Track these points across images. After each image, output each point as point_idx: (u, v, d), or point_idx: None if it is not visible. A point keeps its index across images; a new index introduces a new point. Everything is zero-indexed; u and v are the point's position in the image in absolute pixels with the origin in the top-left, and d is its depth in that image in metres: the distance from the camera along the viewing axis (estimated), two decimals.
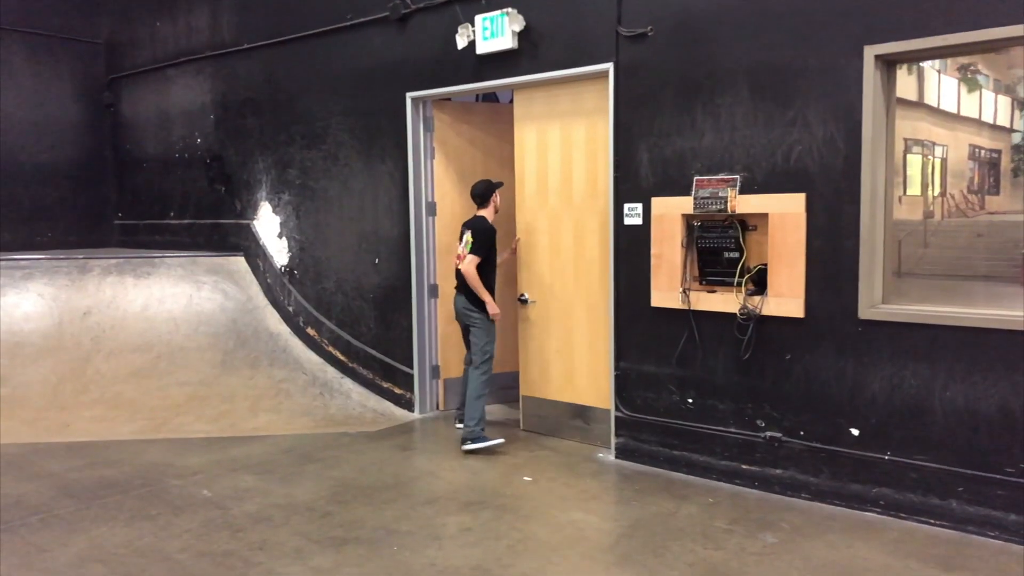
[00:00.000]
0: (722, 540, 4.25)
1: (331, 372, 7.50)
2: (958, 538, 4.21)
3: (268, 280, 8.18)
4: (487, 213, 6.00)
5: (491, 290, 5.97)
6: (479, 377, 5.91)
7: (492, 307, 5.91)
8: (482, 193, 6.04)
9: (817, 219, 4.65)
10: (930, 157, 4.57)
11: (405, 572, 3.95)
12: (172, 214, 9.35)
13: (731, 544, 4.20)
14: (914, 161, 4.57)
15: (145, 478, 5.35)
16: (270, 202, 8.08)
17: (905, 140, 4.52)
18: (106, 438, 6.29)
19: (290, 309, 7.95)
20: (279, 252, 8.03)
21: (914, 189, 4.60)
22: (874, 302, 4.52)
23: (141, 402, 6.93)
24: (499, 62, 6.06)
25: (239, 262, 8.41)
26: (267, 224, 8.13)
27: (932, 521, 4.35)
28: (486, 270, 5.92)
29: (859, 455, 4.58)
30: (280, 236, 8.01)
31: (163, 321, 7.75)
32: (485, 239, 5.91)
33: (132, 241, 9.94)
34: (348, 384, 7.36)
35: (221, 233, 8.70)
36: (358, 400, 7.17)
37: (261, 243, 8.19)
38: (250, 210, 8.32)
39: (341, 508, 4.79)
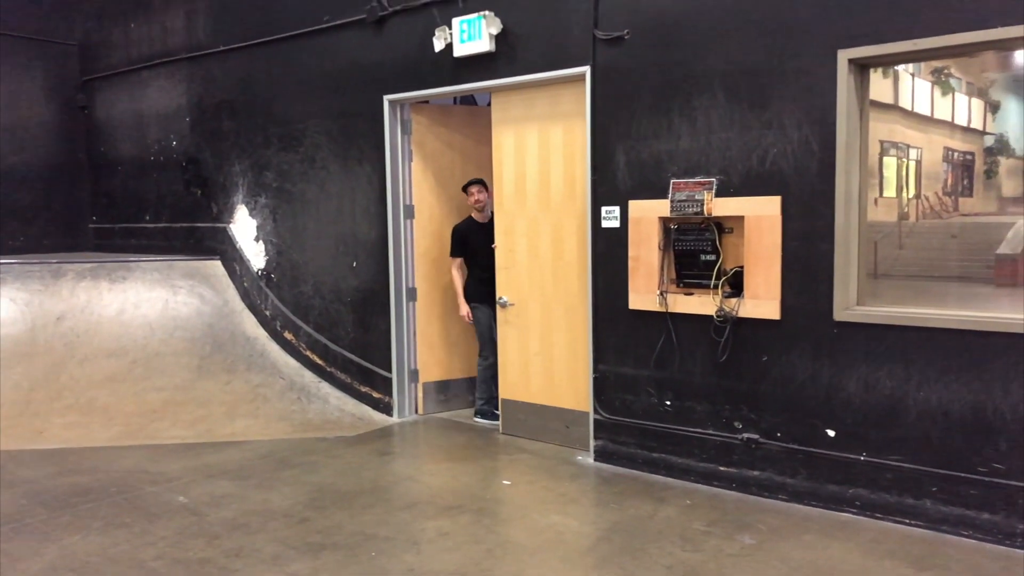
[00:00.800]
0: (700, 542, 4.27)
1: (309, 376, 7.46)
2: (933, 537, 4.24)
3: (245, 284, 8.12)
4: (470, 212, 6.72)
5: (479, 288, 6.60)
6: (478, 363, 6.82)
7: (460, 307, 6.65)
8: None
9: (793, 221, 4.68)
10: (904, 159, 4.61)
11: None
12: (148, 217, 9.26)
13: (709, 546, 4.22)
14: (889, 163, 4.61)
15: (120, 485, 5.29)
16: (247, 205, 8.02)
17: (880, 143, 4.56)
18: (80, 445, 6.21)
19: (267, 313, 7.90)
20: (256, 256, 7.98)
21: (889, 191, 4.63)
22: (849, 304, 4.55)
23: (116, 408, 6.85)
24: (477, 65, 6.05)
25: (215, 266, 8.34)
26: (244, 227, 8.07)
27: (907, 521, 4.39)
28: (471, 269, 6.66)
29: (835, 456, 4.61)
30: (257, 239, 7.95)
31: (138, 326, 7.67)
32: (451, 240, 6.68)
33: (107, 245, 9.83)
34: (326, 388, 7.32)
35: (197, 237, 8.62)
36: (336, 404, 7.13)
37: (238, 247, 8.13)
38: (226, 213, 8.26)
39: (319, 514, 4.76)
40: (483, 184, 6.55)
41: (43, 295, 7.66)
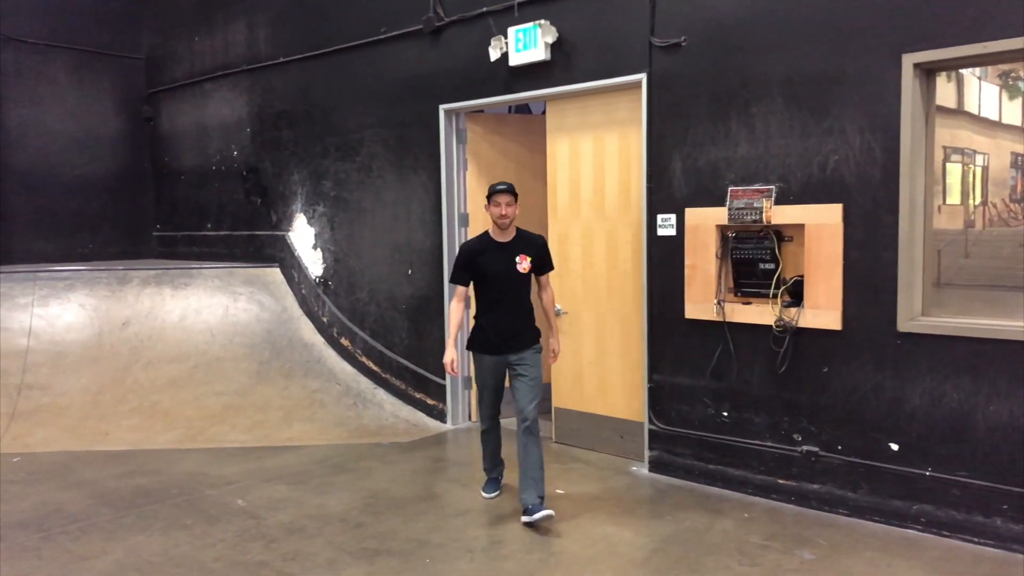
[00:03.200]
0: (758, 556, 4.18)
1: (364, 383, 7.53)
2: (1003, 557, 4.09)
3: (303, 291, 8.25)
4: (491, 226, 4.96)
5: (489, 330, 4.87)
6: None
7: (446, 351, 4.91)
8: None
9: (854, 230, 4.58)
10: (971, 166, 4.48)
11: None
12: (209, 225, 9.48)
13: (767, 560, 4.13)
14: (954, 170, 4.48)
15: (181, 487, 5.40)
16: (305, 214, 8.15)
17: (944, 148, 4.44)
18: (144, 447, 6.37)
19: (324, 320, 8.01)
20: (314, 263, 8.10)
21: (954, 198, 4.50)
22: (913, 314, 4.43)
23: (178, 412, 7.01)
24: (532, 73, 6.06)
25: (275, 273, 8.49)
26: (302, 235, 8.21)
27: (976, 539, 4.24)
28: (481, 302, 4.96)
29: (899, 470, 4.48)
30: (315, 247, 8.07)
31: (200, 332, 7.84)
32: (456, 260, 4.98)
33: (170, 252, 10.09)
34: (381, 395, 7.39)
35: (257, 244, 8.79)
36: (391, 411, 7.18)
37: (296, 254, 8.27)
38: (285, 222, 8.40)
39: (374, 519, 4.79)
40: (514, 195, 4.80)
41: (110, 301, 7.89)
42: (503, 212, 4.78)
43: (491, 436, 5.14)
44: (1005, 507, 4.15)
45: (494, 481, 5.25)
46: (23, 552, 4.37)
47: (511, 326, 4.85)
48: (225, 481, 5.52)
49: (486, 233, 4.95)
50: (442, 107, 6.72)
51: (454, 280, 4.97)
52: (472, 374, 6.95)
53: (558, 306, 6.19)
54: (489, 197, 4.83)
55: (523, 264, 4.84)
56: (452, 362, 4.86)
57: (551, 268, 5.09)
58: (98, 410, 6.97)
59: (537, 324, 4.99)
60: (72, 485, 5.47)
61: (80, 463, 5.97)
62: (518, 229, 4.92)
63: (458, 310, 4.90)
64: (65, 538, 4.56)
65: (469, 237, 6.90)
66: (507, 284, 4.84)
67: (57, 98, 9.55)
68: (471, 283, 4.92)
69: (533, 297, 4.98)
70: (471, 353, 5.02)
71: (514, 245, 4.87)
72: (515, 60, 6.05)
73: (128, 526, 4.74)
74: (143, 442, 6.49)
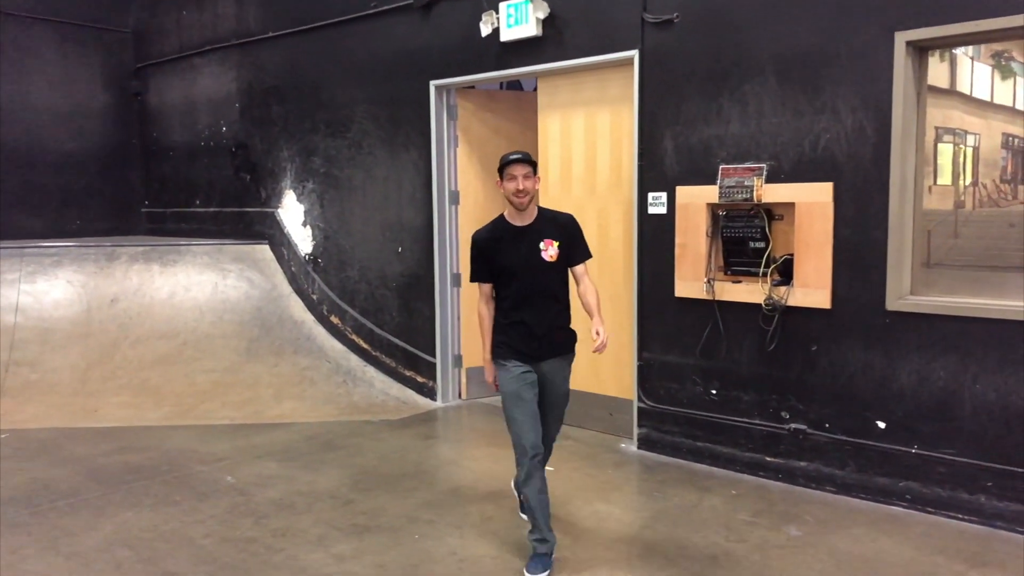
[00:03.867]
0: (745, 532, 4.22)
1: (354, 360, 7.53)
2: (987, 533, 4.14)
3: (292, 268, 8.21)
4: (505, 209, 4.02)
5: (512, 334, 3.91)
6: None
7: (486, 370, 4.08)
8: None
9: (845, 209, 4.58)
10: (962, 146, 4.48)
11: (426, 560, 3.96)
12: (198, 202, 9.42)
13: (754, 536, 4.17)
14: (945, 150, 4.49)
15: (171, 464, 5.40)
16: (294, 190, 8.10)
17: (936, 128, 4.43)
18: (133, 424, 6.36)
19: (314, 297, 7.98)
20: (303, 240, 8.06)
21: (945, 179, 4.51)
22: (902, 293, 4.45)
23: (167, 389, 7.00)
24: (523, 49, 6.02)
25: (264, 250, 8.45)
26: (291, 212, 8.16)
27: (960, 516, 4.28)
28: (501, 301, 3.97)
29: (886, 448, 4.52)
30: (304, 224, 8.03)
31: (189, 309, 7.81)
32: (471, 256, 4.02)
33: (159, 229, 10.03)
34: (371, 372, 7.39)
35: (246, 221, 8.74)
36: (381, 388, 7.19)
37: (286, 231, 8.23)
38: (275, 198, 8.35)
39: (363, 496, 4.81)
40: (531, 165, 3.86)
41: (98, 277, 7.84)
42: (519, 187, 3.78)
43: (536, 480, 3.80)
44: (989, 484, 4.19)
45: (543, 559, 3.83)
46: (13, 528, 4.37)
47: (542, 329, 3.87)
48: (215, 458, 5.52)
49: (501, 217, 3.96)
50: (433, 83, 6.67)
51: (474, 278, 4.00)
52: (462, 352, 6.96)
53: None
54: (501, 170, 3.85)
55: (549, 251, 3.85)
56: (495, 378, 3.97)
57: (587, 255, 4.03)
58: (87, 387, 6.95)
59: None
60: (61, 462, 5.46)
61: (69, 440, 5.95)
62: (540, 208, 3.96)
63: (487, 314, 3.99)
64: (54, 514, 4.56)
65: (459, 214, 6.88)
66: (531, 278, 3.85)
67: (43, 72, 9.43)
68: (493, 280, 3.96)
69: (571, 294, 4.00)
70: (496, 362, 3.98)
71: (536, 229, 3.88)
72: (506, 36, 6.00)
73: (118, 502, 4.74)
74: (132, 419, 6.47)
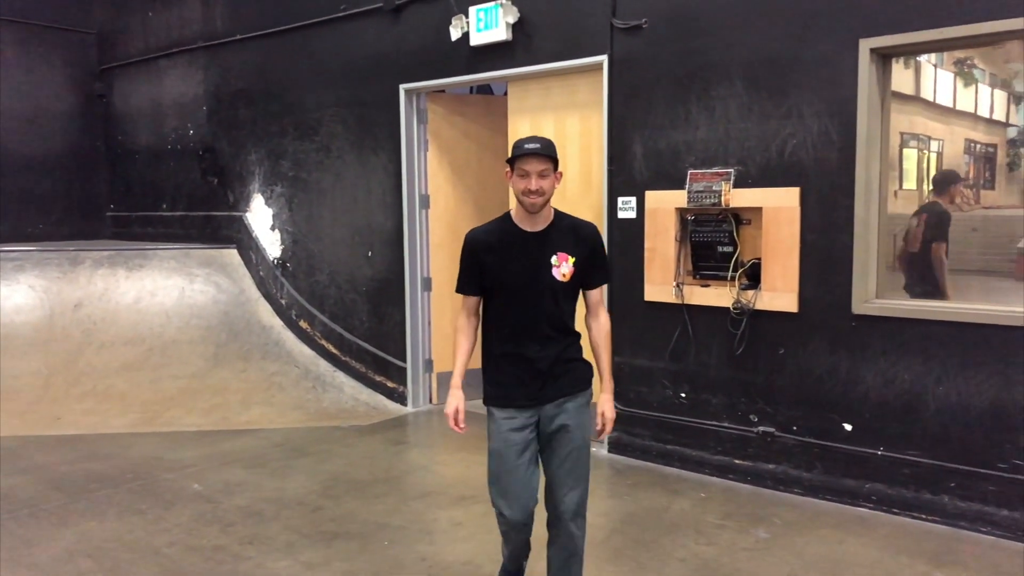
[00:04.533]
0: (714, 535, 4.24)
1: (324, 365, 7.47)
2: (950, 533, 4.20)
3: (261, 273, 8.14)
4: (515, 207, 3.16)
5: (510, 371, 3.10)
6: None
7: (448, 400, 3.14)
8: None
9: (811, 213, 4.63)
10: (926, 151, 4.56)
11: (396, 567, 3.93)
12: (165, 206, 9.30)
13: (723, 539, 4.19)
14: (910, 155, 4.56)
15: (136, 472, 5.32)
16: (263, 194, 8.03)
17: (901, 134, 4.50)
18: (97, 431, 6.25)
19: (283, 302, 7.91)
20: (272, 244, 7.99)
21: (910, 183, 4.58)
22: (868, 297, 4.50)
23: (133, 395, 6.89)
24: (493, 54, 6.02)
25: (232, 255, 8.36)
26: (260, 216, 8.09)
27: (925, 516, 4.34)
28: (499, 324, 3.13)
29: (852, 450, 4.57)
30: (273, 228, 7.96)
31: (155, 314, 7.70)
32: (461, 259, 3.19)
33: (125, 233, 9.88)
34: (341, 378, 7.33)
35: (214, 225, 8.65)
36: (351, 394, 7.14)
37: (254, 235, 8.15)
38: (243, 202, 8.27)
39: (332, 502, 4.76)
40: (552, 160, 3.00)
41: (61, 282, 7.71)
42: (532, 186, 2.94)
43: (523, 561, 3.31)
44: (952, 485, 4.26)
45: None
46: None
47: (545, 363, 3.07)
48: (181, 465, 5.45)
49: (507, 216, 3.14)
50: (403, 87, 6.65)
51: (460, 288, 3.17)
52: (433, 356, 6.94)
53: None
54: (512, 161, 3.00)
55: (562, 268, 3.05)
56: (456, 412, 3.07)
57: (606, 279, 3.27)
58: (49, 393, 6.83)
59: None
60: (22, 470, 5.35)
61: (30, 448, 5.84)
62: (558, 212, 3.13)
63: (467, 332, 3.18)
64: (14, 523, 4.47)
65: (429, 219, 6.86)
66: (537, 300, 3.04)
67: (4, 74, 9.26)
68: (483, 294, 3.14)
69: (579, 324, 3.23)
70: (488, 409, 3.17)
71: (550, 238, 3.07)
72: (476, 40, 6.00)
73: (80, 511, 4.65)
74: (97, 426, 6.36)
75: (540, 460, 3.16)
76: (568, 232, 3.10)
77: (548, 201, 3.03)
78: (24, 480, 5.16)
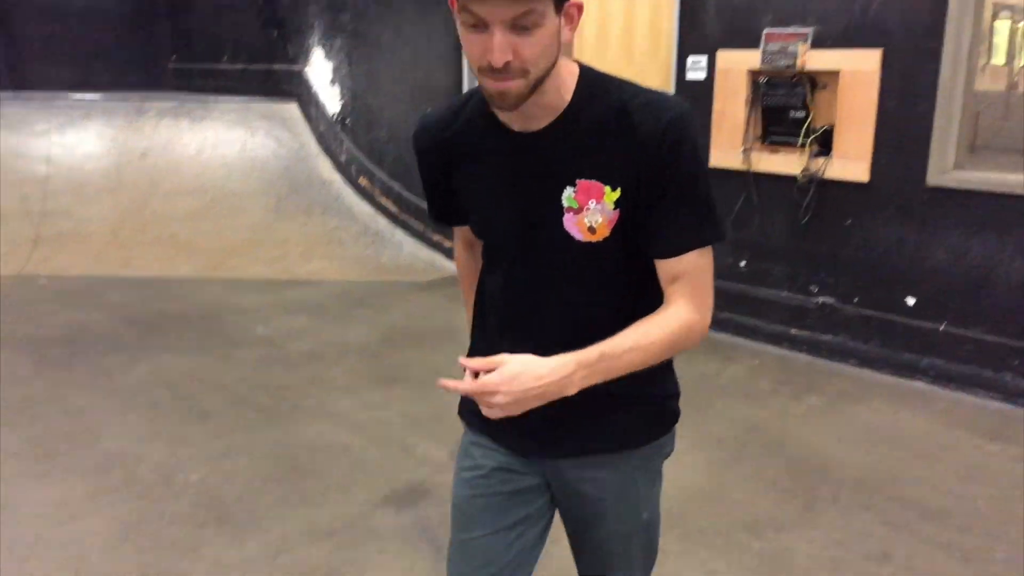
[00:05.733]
0: (766, 400, 4.28)
1: (383, 222, 7.54)
2: (1009, 411, 4.17)
3: (320, 128, 8.12)
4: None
5: (483, 332, 1.62)
6: None
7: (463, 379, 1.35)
8: None
9: (892, 79, 4.40)
10: (1020, 24, 4.26)
11: (453, 413, 4.05)
12: (226, 58, 9.25)
13: (775, 404, 4.23)
14: (1002, 28, 4.28)
15: (203, 313, 5.52)
16: (322, 48, 7.91)
17: (994, 3, 4.20)
18: (165, 275, 6.47)
19: (342, 158, 7.93)
20: (331, 100, 7.93)
21: (999, 58, 4.32)
22: (945, 168, 4.33)
23: (197, 243, 7.08)
24: None
25: (292, 109, 8.34)
26: (319, 71, 8.00)
27: (983, 393, 4.31)
28: (483, 276, 1.63)
29: (913, 324, 4.51)
30: (332, 83, 7.89)
31: (217, 166, 7.80)
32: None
33: (186, 84, 9.90)
34: (400, 235, 7.41)
35: (274, 79, 8.59)
36: (409, 251, 7.23)
37: (313, 90, 8.09)
38: (302, 56, 8.18)
39: (391, 350, 4.91)
40: None
41: (128, 131, 7.81)
42: (494, 58, 1.22)
43: None
44: (1016, 363, 4.19)
45: None
46: (54, 365, 4.52)
47: (560, 399, 1.33)
48: (246, 310, 5.63)
49: (477, 92, 1.41)
50: None
51: (431, 213, 1.70)
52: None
53: None
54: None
55: (589, 213, 1.39)
56: (463, 372, 1.33)
57: (702, 235, 1.49)
58: (119, 238, 7.04)
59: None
60: (98, 307, 5.60)
61: (104, 287, 6.08)
62: (586, 81, 1.40)
63: (465, 273, 1.84)
64: (94, 354, 4.70)
65: None
66: (539, 278, 1.47)
67: None
68: (461, 223, 1.66)
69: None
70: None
71: (560, 146, 1.39)
72: None
73: (154, 346, 4.87)
74: (165, 270, 6.58)
75: (571, 546, 1.68)
76: (604, 128, 1.38)
77: (541, 81, 1.30)
78: (100, 316, 5.40)
